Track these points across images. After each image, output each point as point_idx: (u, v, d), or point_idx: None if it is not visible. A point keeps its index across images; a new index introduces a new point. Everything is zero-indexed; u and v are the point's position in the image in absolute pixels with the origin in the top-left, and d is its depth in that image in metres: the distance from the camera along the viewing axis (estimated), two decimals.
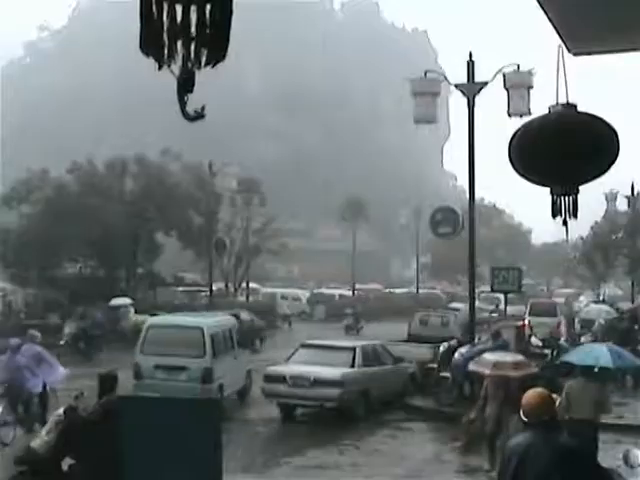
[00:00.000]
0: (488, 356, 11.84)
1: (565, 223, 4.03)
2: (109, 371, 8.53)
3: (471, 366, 11.80)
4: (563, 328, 27.15)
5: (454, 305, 37.73)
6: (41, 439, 8.42)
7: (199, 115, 2.13)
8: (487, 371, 10.86)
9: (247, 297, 41.26)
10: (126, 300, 31.14)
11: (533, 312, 29.28)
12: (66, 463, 8.31)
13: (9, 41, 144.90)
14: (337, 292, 50.67)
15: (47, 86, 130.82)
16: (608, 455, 9.66)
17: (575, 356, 12.31)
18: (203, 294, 39.52)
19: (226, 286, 41.30)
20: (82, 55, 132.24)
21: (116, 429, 8.13)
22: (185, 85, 2.07)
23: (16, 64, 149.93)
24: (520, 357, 12.01)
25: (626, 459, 6.00)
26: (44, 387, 13.09)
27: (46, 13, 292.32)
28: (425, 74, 18.20)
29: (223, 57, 2.06)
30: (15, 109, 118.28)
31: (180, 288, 41.12)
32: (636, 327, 23.29)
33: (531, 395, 4.64)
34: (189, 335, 15.59)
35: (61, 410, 8.47)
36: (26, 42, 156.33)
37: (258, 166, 65.03)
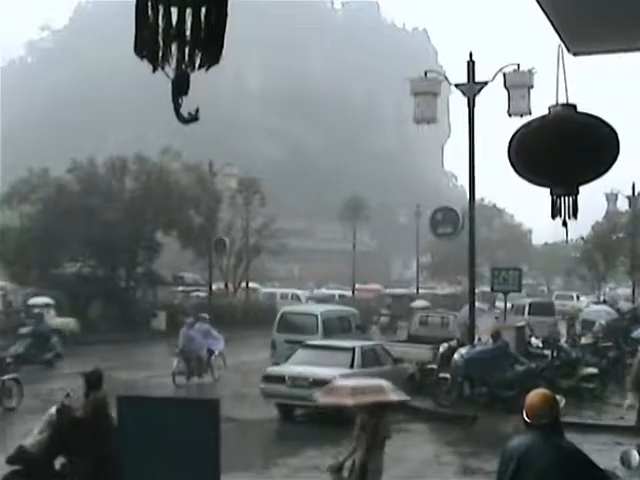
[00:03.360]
0: (343, 382, 9.61)
1: (565, 224, 4.01)
2: (95, 369, 8.54)
3: (322, 398, 9.19)
4: (559, 327, 27.71)
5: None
6: (34, 438, 8.39)
7: (193, 118, 2.13)
8: (349, 401, 8.57)
9: (247, 297, 41.25)
10: (45, 299, 28.23)
11: (532, 312, 29.31)
12: (58, 462, 8.28)
13: (10, 41, 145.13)
14: (337, 292, 50.64)
15: (48, 85, 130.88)
16: (607, 457, 9.63)
17: None
18: (194, 294, 39.52)
19: (226, 286, 41.29)
20: (83, 55, 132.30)
21: (104, 427, 8.13)
22: (179, 88, 2.07)
23: (17, 63, 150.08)
24: (380, 381, 9.46)
25: (624, 460, 5.97)
26: (209, 352, 19.40)
27: (47, 13, 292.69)
28: (425, 74, 18.19)
29: (217, 60, 2.05)
30: (16, 108, 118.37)
31: (180, 288, 41.13)
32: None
33: (534, 396, 4.60)
34: (308, 319, 20.79)
35: (53, 409, 8.44)
36: (27, 42, 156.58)
37: (258, 166, 65.00)
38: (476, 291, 18.84)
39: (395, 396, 8.87)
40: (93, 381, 8.29)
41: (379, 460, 8.51)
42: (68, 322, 27.44)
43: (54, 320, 26.19)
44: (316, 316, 20.78)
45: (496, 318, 24.72)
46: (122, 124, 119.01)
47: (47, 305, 27.54)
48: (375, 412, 8.50)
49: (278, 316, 21.71)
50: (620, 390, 17.98)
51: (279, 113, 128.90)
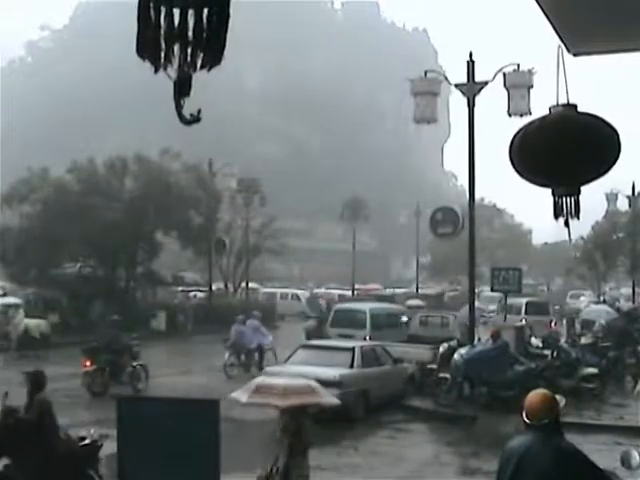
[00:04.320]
0: (273, 380, 8.82)
1: (567, 224, 4.00)
2: (36, 369, 8.47)
3: (247, 398, 8.26)
4: (555, 326, 27.95)
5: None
6: None
7: (195, 119, 2.13)
8: (279, 402, 7.90)
9: (246, 297, 41.24)
10: (14, 299, 27.71)
11: (528, 311, 29.35)
12: (2, 463, 8.22)
13: (10, 40, 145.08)
14: (337, 292, 50.64)
15: (48, 85, 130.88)
16: (607, 457, 9.63)
17: None
18: (192, 294, 39.47)
19: (225, 286, 41.29)
20: (83, 55, 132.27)
21: (49, 428, 8.01)
22: (182, 89, 2.08)
23: (17, 63, 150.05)
24: (310, 382, 8.74)
25: (624, 460, 5.96)
26: (259, 346, 21.12)
27: (47, 13, 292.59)
28: (425, 74, 18.19)
29: (219, 61, 2.06)
30: (16, 108, 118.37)
31: (180, 288, 41.12)
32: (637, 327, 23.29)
33: (534, 397, 4.60)
34: (358, 315, 22.79)
35: None
36: (27, 42, 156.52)
37: (258, 166, 65.04)
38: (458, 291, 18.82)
39: (326, 399, 8.36)
40: (36, 381, 8.21)
41: (304, 466, 8.02)
42: (38, 324, 26.34)
43: (22, 321, 25.48)
44: (365, 312, 22.86)
45: (484, 323, 24.87)
46: (122, 124, 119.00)
47: (16, 305, 26.74)
48: (298, 415, 7.95)
49: (332, 313, 24.31)
50: (620, 390, 18.00)
51: (279, 113, 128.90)
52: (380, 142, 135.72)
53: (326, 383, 14.83)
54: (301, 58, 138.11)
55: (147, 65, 2.08)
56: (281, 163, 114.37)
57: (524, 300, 29.24)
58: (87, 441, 8.10)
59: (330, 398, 8.62)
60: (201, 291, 39.62)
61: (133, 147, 42.77)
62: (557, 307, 37.63)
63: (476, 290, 21.05)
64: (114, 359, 17.00)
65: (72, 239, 31.59)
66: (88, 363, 16.85)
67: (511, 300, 25.61)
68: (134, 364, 17.38)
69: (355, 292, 50.91)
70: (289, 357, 16.43)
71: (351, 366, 15.58)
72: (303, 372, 15.10)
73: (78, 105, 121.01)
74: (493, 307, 33.42)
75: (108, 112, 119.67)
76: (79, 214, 30.84)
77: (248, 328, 21.53)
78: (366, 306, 24.83)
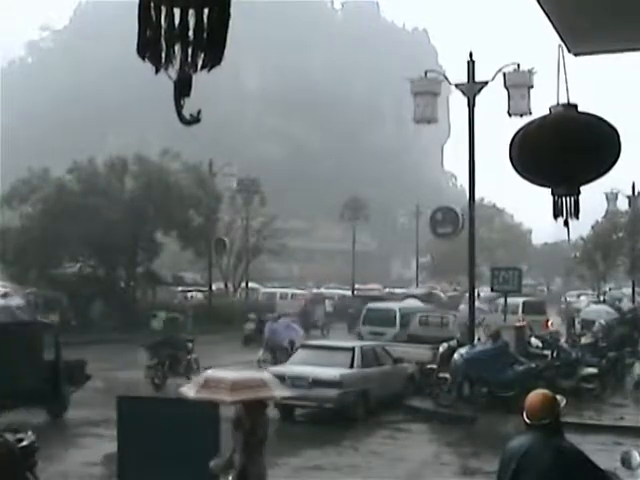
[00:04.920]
0: (222, 374, 8.22)
1: (567, 224, 4.00)
2: None
3: (195, 393, 7.85)
4: (551, 326, 28.08)
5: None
6: None
7: (195, 119, 2.13)
8: (227, 398, 7.52)
9: (246, 297, 41.25)
10: (18, 300, 27.40)
11: (525, 310, 29.35)
12: None
13: (11, 41, 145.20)
14: (337, 292, 50.59)
15: (48, 86, 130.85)
16: (607, 457, 9.63)
17: None
18: (189, 294, 39.45)
19: (225, 286, 41.30)
20: (83, 55, 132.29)
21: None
22: (182, 89, 2.08)
23: (17, 64, 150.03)
24: (263, 374, 8.48)
25: (624, 461, 5.95)
26: (291, 342, 21.64)
27: (48, 13, 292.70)
28: (425, 74, 18.18)
29: (220, 61, 2.06)
30: (16, 108, 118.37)
31: (180, 288, 41.12)
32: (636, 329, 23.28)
33: (534, 397, 4.59)
34: (388, 314, 24.23)
35: None
36: (28, 42, 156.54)
37: (258, 166, 64.97)
38: (460, 292, 18.82)
39: (279, 392, 8.05)
40: None
41: (260, 464, 7.70)
42: None
43: None
44: (395, 311, 24.34)
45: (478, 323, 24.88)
46: (122, 124, 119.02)
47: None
48: (253, 409, 7.58)
49: (363, 311, 25.60)
50: (620, 390, 17.99)
51: (279, 113, 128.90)
52: (380, 142, 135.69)
53: (326, 383, 14.89)
54: (301, 58, 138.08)
55: (147, 65, 2.08)
56: (281, 163, 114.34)
57: (521, 300, 29.21)
58: (25, 443, 7.95)
59: (283, 391, 8.25)
60: (200, 291, 39.61)
61: (133, 147, 42.81)
62: (563, 306, 37.69)
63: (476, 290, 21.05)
64: (173, 353, 18.58)
65: (72, 239, 31.60)
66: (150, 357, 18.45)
67: (509, 300, 25.60)
68: (188, 357, 19.05)
69: (355, 292, 50.89)
70: (262, 360, 16.36)
71: (351, 366, 15.58)
72: (303, 372, 15.14)
73: (78, 105, 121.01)
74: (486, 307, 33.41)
75: (108, 112, 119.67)
76: (79, 214, 30.84)
77: (280, 325, 22.85)
78: (396, 305, 26.58)
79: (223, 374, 8.03)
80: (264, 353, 22.19)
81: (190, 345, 19.60)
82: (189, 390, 7.83)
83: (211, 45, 2.02)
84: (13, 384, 12.82)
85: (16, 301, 22.32)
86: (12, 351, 13.38)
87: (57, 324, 28.34)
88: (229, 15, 2.04)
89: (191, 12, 2.02)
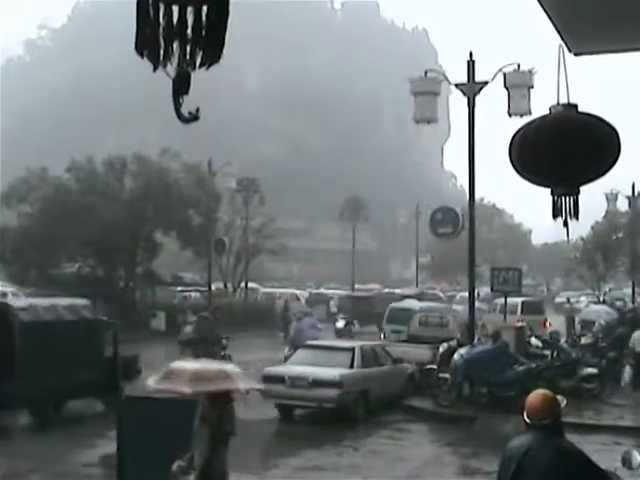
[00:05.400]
0: (184, 365, 8.00)
1: (566, 224, 3.99)
2: None
3: (157, 384, 7.65)
4: (549, 325, 28.18)
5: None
6: None
7: (194, 117, 2.12)
8: (186, 389, 7.28)
9: (245, 297, 41.21)
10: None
11: (524, 311, 29.35)
12: None
13: (9, 39, 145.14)
14: (336, 292, 50.54)
15: (46, 84, 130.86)
16: (607, 457, 9.62)
17: None
18: (187, 294, 39.38)
19: (225, 286, 41.24)
20: (82, 54, 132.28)
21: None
22: (180, 87, 2.06)
23: (15, 62, 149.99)
24: (227, 366, 8.19)
25: (625, 461, 5.94)
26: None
27: (46, 11, 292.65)
28: (425, 74, 18.17)
29: (218, 59, 2.05)
30: (14, 107, 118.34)
31: (179, 288, 41.07)
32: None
33: (534, 397, 4.58)
34: (408, 313, 24.63)
35: None
36: (26, 40, 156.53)
37: (258, 166, 65.01)
38: (458, 293, 18.79)
39: (243, 384, 7.69)
40: None
41: (224, 459, 7.49)
42: None
43: None
44: (413, 310, 25.03)
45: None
46: (121, 123, 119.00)
47: None
48: (218, 402, 7.37)
49: (387, 310, 27.12)
50: (620, 390, 17.97)
51: (279, 113, 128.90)
52: (380, 142, 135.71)
53: (326, 383, 14.88)
54: (301, 58, 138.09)
55: (146, 64, 2.07)
56: (281, 163, 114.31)
57: (520, 300, 29.21)
58: None
59: (250, 383, 7.87)
60: (199, 291, 39.53)
61: (132, 146, 42.82)
62: (567, 306, 37.72)
63: (476, 290, 21.03)
64: (208, 348, 19.79)
65: (71, 239, 31.57)
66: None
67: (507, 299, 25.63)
68: (222, 353, 20.44)
69: (355, 292, 50.85)
70: (288, 357, 16.42)
71: (351, 366, 15.57)
72: (303, 372, 15.13)
73: (77, 104, 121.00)
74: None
75: (107, 111, 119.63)
76: (78, 214, 30.81)
77: (305, 324, 23.29)
78: (417, 305, 27.84)
79: (185, 365, 7.81)
80: (289, 351, 22.44)
81: (224, 342, 21.29)
82: (152, 382, 7.65)
83: (210, 43, 2.01)
84: (78, 377, 14.13)
85: (82, 302, 23.00)
86: (78, 347, 14.66)
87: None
88: (228, 13, 2.03)
89: (190, 9, 2.01)
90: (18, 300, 16.56)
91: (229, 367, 7.86)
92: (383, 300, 39.28)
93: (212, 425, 7.33)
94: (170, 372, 7.63)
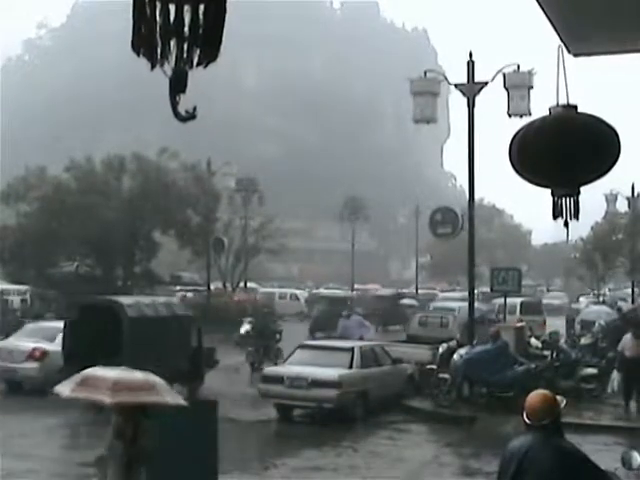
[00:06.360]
0: (103, 372, 7.00)
1: (566, 224, 3.99)
2: None
3: (70, 391, 6.76)
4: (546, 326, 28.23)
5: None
6: None
7: (190, 116, 2.10)
8: (107, 399, 6.51)
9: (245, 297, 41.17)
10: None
11: (523, 311, 29.36)
12: None
13: (8, 38, 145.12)
14: (336, 292, 50.54)
15: (45, 84, 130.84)
16: (607, 457, 9.61)
17: None
18: (181, 294, 39.33)
19: (224, 285, 41.21)
20: (81, 53, 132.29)
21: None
22: (177, 85, 2.05)
23: (14, 62, 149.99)
24: (150, 376, 7.08)
25: (625, 461, 5.94)
26: (361, 338, 21.29)
27: (45, 11, 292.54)
28: (425, 74, 18.17)
29: (215, 57, 2.04)
30: (13, 106, 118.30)
31: (178, 287, 41.05)
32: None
33: (534, 397, 4.58)
34: (449, 313, 25.62)
35: None
36: (25, 40, 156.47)
37: (257, 165, 65.01)
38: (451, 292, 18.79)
39: (170, 397, 6.86)
40: None
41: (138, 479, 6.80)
42: None
43: None
44: (455, 310, 25.76)
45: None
46: (120, 122, 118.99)
47: None
48: (134, 416, 6.70)
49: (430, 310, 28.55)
50: (620, 390, 17.95)
51: (278, 112, 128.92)
52: (380, 142, 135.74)
53: (325, 383, 14.87)
54: (300, 58, 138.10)
55: (145, 63, 2.06)
56: (280, 163, 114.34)
57: (519, 300, 29.21)
58: None
59: (174, 397, 7.00)
60: (198, 291, 39.48)
61: (131, 146, 42.78)
62: (574, 306, 37.86)
63: (475, 290, 21.02)
64: (266, 342, 21.72)
65: (69, 238, 31.58)
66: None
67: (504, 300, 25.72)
68: (277, 346, 22.04)
69: (355, 292, 50.89)
70: (288, 357, 16.41)
71: (350, 366, 15.54)
72: (302, 372, 15.12)
73: (76, 103, 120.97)
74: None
75: (106, 110, 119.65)
76: (77, 213, 30.82)
77: (353, 322, 23.83)
78: (457, 305, 28.41)
79: (104, 372, 6.96)
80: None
81: (278, 336, 23.18)
82: (64, 388, 6.83)
83: (207, 41, 2.00)
84: (172, 365, 15.38)
85: (175, 299, 24.49)
86: (172, 339, 16.31)
87: None
88: (225, 11, 2.02)
89: (186, 8, 2.00)
90: (126, 298, 18.37)
91: (154, 378, 6.95)
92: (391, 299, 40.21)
93: (127, 442, 6.64)
94: (86, 379, 6.78)
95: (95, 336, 14.77)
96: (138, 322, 15.54)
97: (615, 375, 17.18)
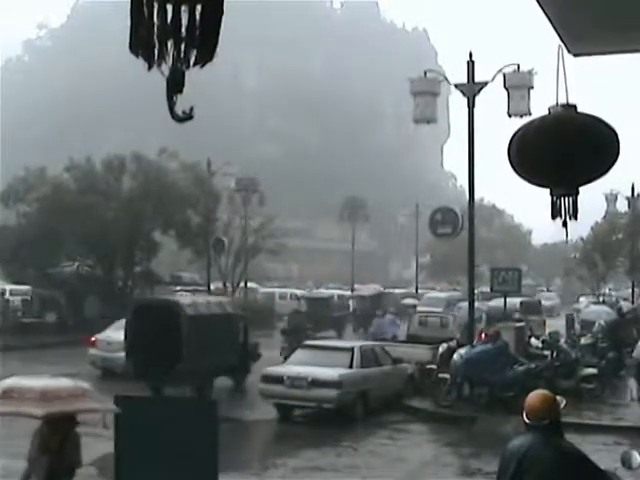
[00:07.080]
0: (28, 382, 6.37)
1: (565, 224, 3.99)
2: None
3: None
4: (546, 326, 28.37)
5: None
6: None
7: (188, 116, 2.10)
8: (38, 411, 5.90)
9: (245, 297, 41.16)
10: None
11: (522, 311, 29.36)
12: None
13: (8, 39, 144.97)
14: (336, 292, 50.50)
15: (45, 84, 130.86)
16: (607, 457, 9.61)
17: None
18: (179, 294, 39.28)
19: (224, 285, 41.19)
20: (81, 53, 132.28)
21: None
22: (174, 85, 2.06)
23: (14, 62, 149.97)
24: (80, 383, 6.65)
25: (625, 461, 5.94)
26: (394, 336, 22.60)
27: (45, 11, 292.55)
28: (425, 74, 18.18)
29: (212, 57, 2.04)
30: (13, 107, 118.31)
31: (178, 287, 41.03)
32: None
33: (534, 397, 4.59)
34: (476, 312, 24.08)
35: None
36: (25, 40, 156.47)
37: (257, 165, 65.00)
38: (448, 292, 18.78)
39: (101, 404, 6.39)
40: None
41: None
42: None
43: None
44: (481, 310, 25.84)
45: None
46: (120, 123, 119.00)
47: None
48: (61, 426, 6.19)
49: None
50: (619, 390, 17.97)
51: (278, 113, 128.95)
52: (380, 142, 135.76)
53: (325, 383, 14.87)
54: (301, 58, 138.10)
55: (143, 62, 2.07)
56: (280, 163, 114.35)
57: (518, 300, 29.22)
58: None
59: (105, 403, 6.47)
60: (198, 291, 39.43)
61: (131, 146, 42.72)
62: (575, 306, 37.99)
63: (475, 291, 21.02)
64: (297, 338, 21.93)
65: (70, 238, 31.56)
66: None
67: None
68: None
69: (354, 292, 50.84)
70: (287, 357, 16.41)
71: (350, 366, 15.55)
72: (302, 372, 15.12)
73: (76, 104, 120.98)
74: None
75: (106, 111, 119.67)
76: (77, 213, 30.78)
77: (386, 320, 24.69)
78: (483, 304, 29.26)
79: (29, 382, 6.33)
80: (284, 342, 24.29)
81: (309, 332, 24.23)
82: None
83: (204, 42, 2.00)
84: (223, 359, 17.40)
85: (225, 299, 25.28)
86: (223, 335, 17.69)
87: (55, 323, 28.68)
88: (222, 12, 2.02)
89: (184, 8, 2.00)
90: (184, 298, 20.35)
91: (82, 383, 6.54)
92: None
93: (52, 455, 6.15)
94: (10, 390, 6.10)
95: (156, 332, 16.02)
96: (195, 320, 16.67)
97: (633, 383, 17.21)
